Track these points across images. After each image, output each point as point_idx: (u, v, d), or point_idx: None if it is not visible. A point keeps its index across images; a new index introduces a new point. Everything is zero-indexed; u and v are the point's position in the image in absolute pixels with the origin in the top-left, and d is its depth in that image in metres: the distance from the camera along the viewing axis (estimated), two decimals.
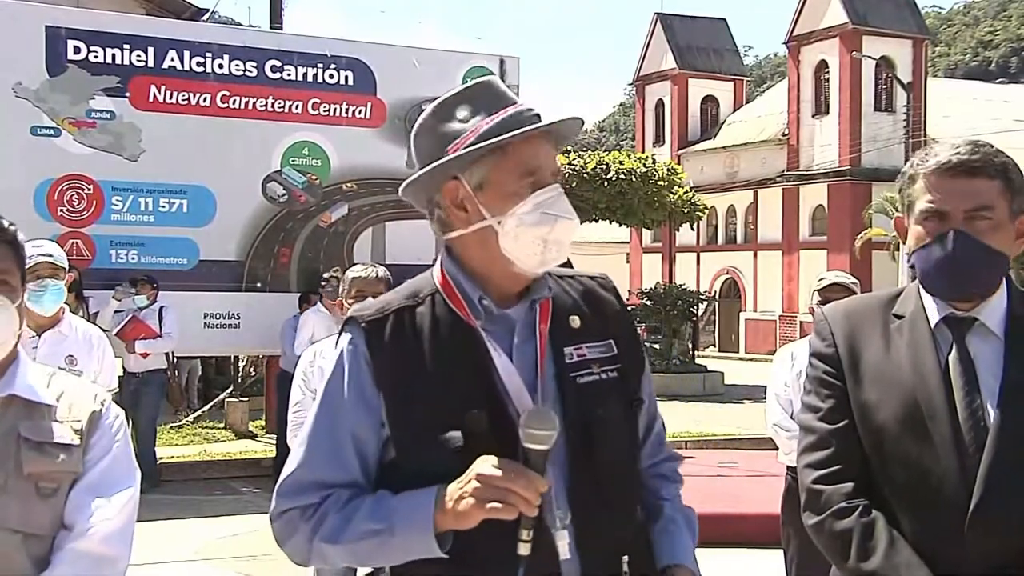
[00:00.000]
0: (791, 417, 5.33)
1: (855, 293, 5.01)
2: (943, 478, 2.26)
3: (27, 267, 4.86)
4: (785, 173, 40.67)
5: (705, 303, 35.65)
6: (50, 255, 5.01)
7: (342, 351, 2.16)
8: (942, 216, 2.29)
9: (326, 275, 10.95)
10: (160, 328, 10.81)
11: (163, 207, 11.80)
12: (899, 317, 2.42)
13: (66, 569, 2.09)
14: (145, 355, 10.84)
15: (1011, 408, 2.25)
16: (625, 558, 2.12)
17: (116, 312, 10.75)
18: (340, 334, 2.20)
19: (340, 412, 2.12)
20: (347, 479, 2.10)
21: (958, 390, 2.29)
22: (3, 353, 2.20)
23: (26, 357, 2.28)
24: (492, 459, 1.95)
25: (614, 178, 24.68)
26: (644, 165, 28.92)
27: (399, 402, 2.09)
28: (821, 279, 5.46)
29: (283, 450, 10.89)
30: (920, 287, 2.41)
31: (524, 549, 1.95)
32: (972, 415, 2.27)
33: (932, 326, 2.36)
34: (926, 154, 2.36)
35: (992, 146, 2.34)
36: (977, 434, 2.25)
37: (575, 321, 2.20)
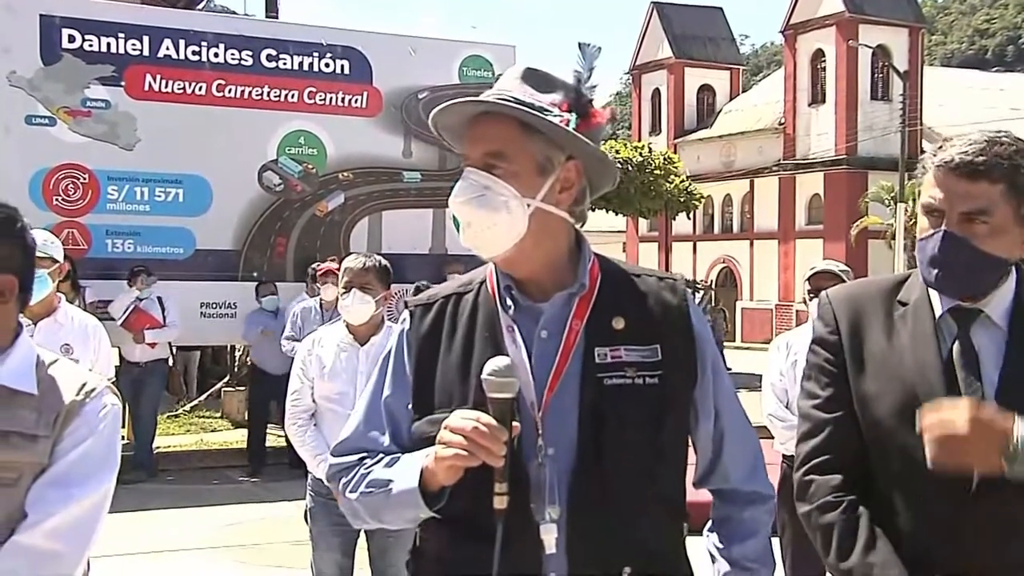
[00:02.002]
0: (786, 406, 5.35)
1: (844, 281, 5.02)
2: (938, 473, 2.25)
3: None
4: (781, 162, 40.67)
5: (702, 292, 35.69)
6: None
7: (398, 333, 2.30)
8: (940, 213, 2.28)
9: (312, 267, 10.94)
10: (163, 317, 10.82)
11: (159, 196, 11.80)
12: (903, 304, 2.40)
13: (5, 562, 2.03)
14: (153, 345, 10.85)
15: (1008, 400, 2.23)
16: (627, 570, 2.07)
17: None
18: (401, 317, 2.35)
19: (382, 388, 2.28)
20: (381, 447, 2.23)
21: (961, 382, 2.27)
22: None
23: (25, 345, 2.23)
24: (462, 411, 1.99)
25: None
26: (640, 154, 28.95)
27: (422, 382, 2.19)
28: (812, 268, 5.50)
29: (258, 437, 11.26)
30: None
31: (500, 503, 1.96)
32: None
33: (936, 317, 2.35)
34: (940, 147, 2.32)
35: (1011, 144, 2.28)
36: None
37: (619, 322, 2.15)
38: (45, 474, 2.10)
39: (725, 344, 26.99)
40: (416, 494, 2.04)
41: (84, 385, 2.21)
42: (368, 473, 2.17)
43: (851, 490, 2.35)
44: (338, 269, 9.44)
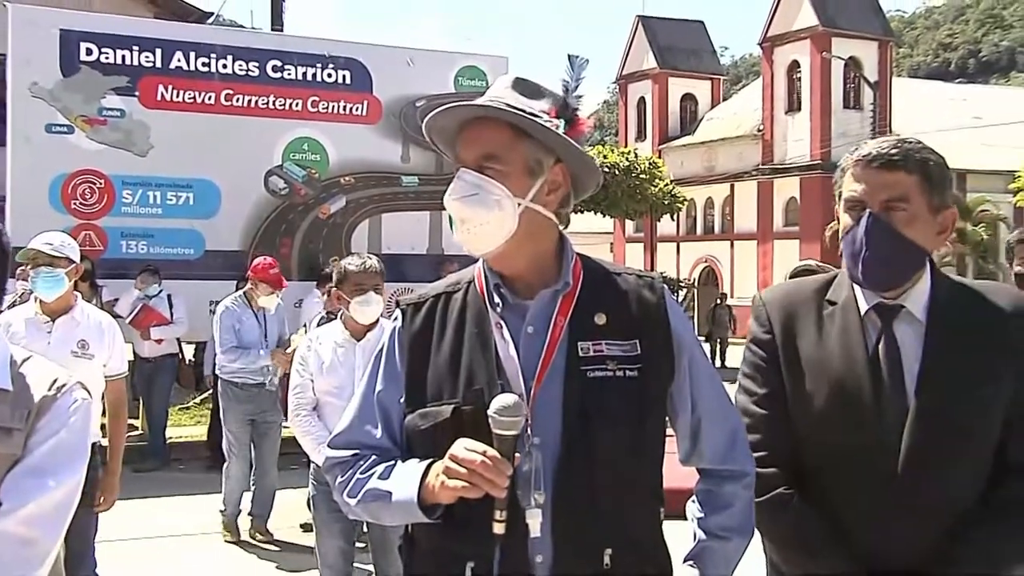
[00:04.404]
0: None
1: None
2: (866, 463, 2.27)
3: (27, 257, 4.87)
4: (760, 167, 40.64)
5: (685, 290, 35.73)
6: (48, 244, 4.99)
7: (390, 331, 2.29)
8: (862, 205, 2.31)
9: (327, 269, 10.87)
10: (171, 314, 10.82)
11: (171, 200, 11.81)
12: (832, 303, 2.42)
13: None
14: (160, 341, 10.85)
15: (927, 391, 2.27)
16: (608, 552, 2.07)
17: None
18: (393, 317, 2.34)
19: (375, 384, 2.26)
20: (375, 443, 2.23)
21: (885, 376, 2.29)
22: None
23: (1, 344, 2.22)
24: (466, 441, 1.98)
25: None
26: (627, 159, 29.00)
27: (414, 377, 2.18)
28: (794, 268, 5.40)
29: (217, 429, 10.90)
30: None
31: (498, 528, 1.98)
32: (896, 400, 2.27)
33: (862, 314, 2.37)
34: (856, 149, 2.38)
35: (919, 143, 2.35)
36: (900, 419, 2.26)
37: (600, 318, 2.15)
38: (19, 465, 2.09)
39: (716, 339, 26.87)
40: (415, 507, 2.05)
41: (55, 381, 2.20)
42: (366, 480, 2.16)
43: (789, 483, 2.38)
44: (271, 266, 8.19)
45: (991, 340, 2.30)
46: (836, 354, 2.34)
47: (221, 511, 8.10)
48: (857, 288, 2.39)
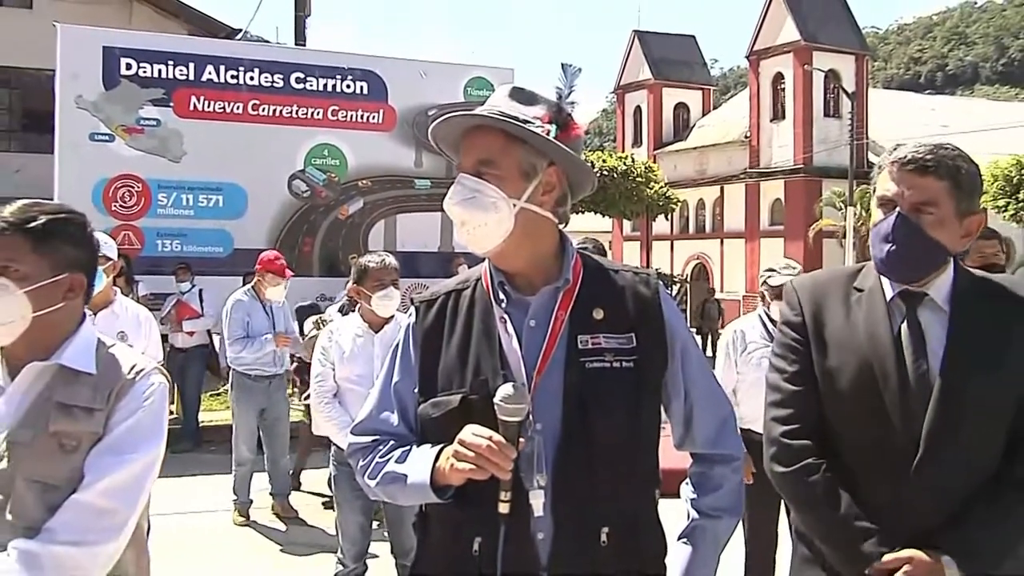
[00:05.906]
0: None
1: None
2: (890, 439, 2.23)
3: None
4: (747, 171, 40.57)
5: (678, 285, 35.69)
6: None
7: (405, 326, 2.29)
8: (893, 204, 2.28)
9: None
10: (201, 308, 10.86)
11: (202, 202, 11.88)
12: (859, 290, 2.40)
13: (65, 516, 2.07)
14: (191, 333, 10.90)
15: (952, 373, 2.23)
16: (605, 530, 2.06)
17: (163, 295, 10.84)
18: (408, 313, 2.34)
19: (392, 376, 2.26)
20: (392, 430, 2.23)
21: (908, 356, 2.26)
22: (7, 337, 2.15)
23: (88, 332, 2.26)
24: (474, 427, 1.98)
25: (597, 175, 24.74)
26: (624, 163, 29.01)
27: (427, 369, 2.18)
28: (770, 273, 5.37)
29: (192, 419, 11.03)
30: None
31: (504, 508, 1.98)
32: (919, 379, 2.24)
33: (887, 299, 2.34)
34: (894, 149, 2.34)
35: (956, 150, 2.31)
36: (923, 397, 2.23)
37: (598, 313, 2.13)
38: (101, 442, 2.14)
39: (705, 331, 26.85)
40: (428, 488, 2.05)
41: (135, 366, 2.25)
42: (384, 464, 2.16)
43: (821, 455, 2.34)
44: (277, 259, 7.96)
45: (1013, 325, 2.28)
46: (862, 334, 2.32)
47: (233, 500, 8.03)
48: (882, 274, 2.37)
